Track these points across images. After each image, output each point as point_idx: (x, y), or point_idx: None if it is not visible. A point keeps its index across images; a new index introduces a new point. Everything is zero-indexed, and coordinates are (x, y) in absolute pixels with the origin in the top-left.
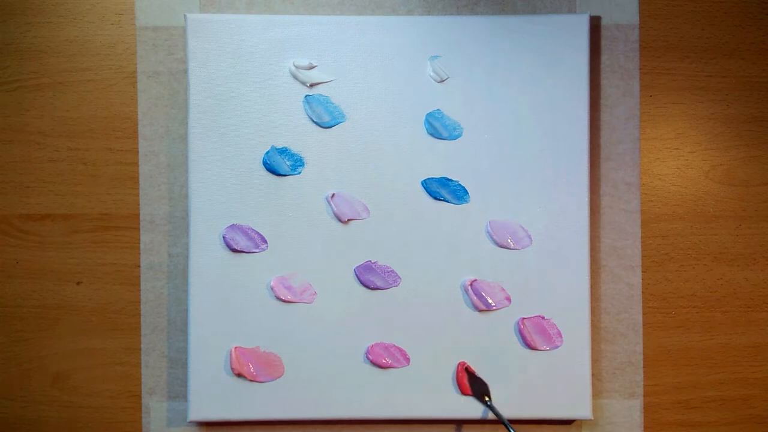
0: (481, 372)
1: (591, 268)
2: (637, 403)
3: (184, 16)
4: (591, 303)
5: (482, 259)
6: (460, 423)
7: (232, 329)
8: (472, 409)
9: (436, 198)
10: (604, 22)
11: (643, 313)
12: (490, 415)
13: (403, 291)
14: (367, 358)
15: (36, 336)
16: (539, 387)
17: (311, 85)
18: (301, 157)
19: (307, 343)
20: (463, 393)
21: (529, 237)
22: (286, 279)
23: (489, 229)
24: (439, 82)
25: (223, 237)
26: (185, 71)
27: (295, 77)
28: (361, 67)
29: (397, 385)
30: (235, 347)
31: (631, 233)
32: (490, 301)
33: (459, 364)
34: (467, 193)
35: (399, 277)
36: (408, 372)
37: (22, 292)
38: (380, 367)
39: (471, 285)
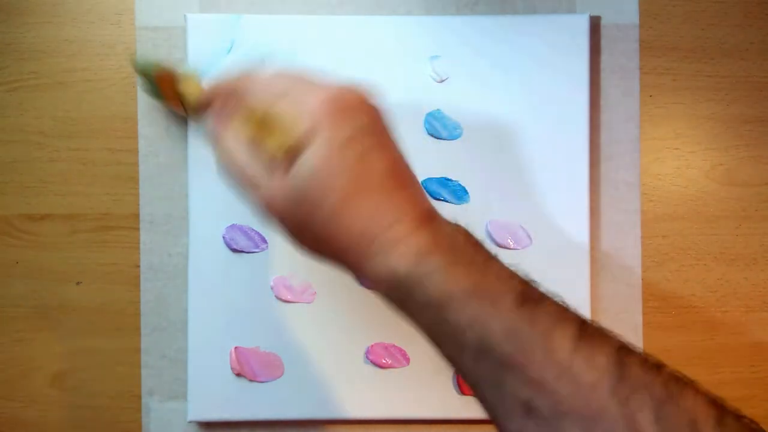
0: None
1: (591, 268)
2: None
3: (184, 16)
4: (591, 303)
5: None
6: (460, 423)
7: (232, 329)
8: (472, 409)
9: (436, 198)
10: (604, 22)
11: (643, 313)
12: None
13: None
14: (367, 358)
15: (36, 336)
16: None
17: None
18: None
19: (307, 343)
20: (463, 393)
21: (529, 237)
22: (286, 279)
23: (489, 229)
24: (439, 82)
25: (223, 237)
26: None
27: None
28: (361, 67)
29: (397, 385)
30: (235, 347)
31: (631, 233)
32: None
33: None
34: (467, 193)
35: None
36: (408, 372)
37: (22, 292)
38: (380, 367)
39: None
